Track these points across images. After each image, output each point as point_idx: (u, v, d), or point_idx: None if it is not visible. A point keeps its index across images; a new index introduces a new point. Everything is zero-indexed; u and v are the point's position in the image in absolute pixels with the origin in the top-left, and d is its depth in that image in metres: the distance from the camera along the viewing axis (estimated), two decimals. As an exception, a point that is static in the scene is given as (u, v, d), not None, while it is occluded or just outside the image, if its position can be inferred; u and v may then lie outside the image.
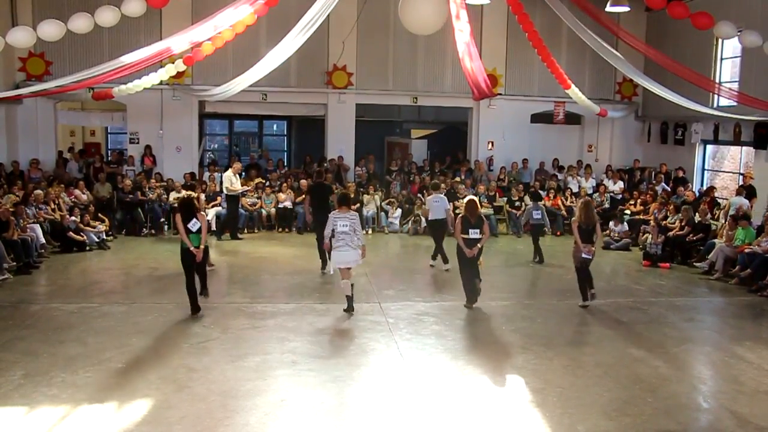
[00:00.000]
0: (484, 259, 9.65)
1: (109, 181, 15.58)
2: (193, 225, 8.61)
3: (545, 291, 11.10)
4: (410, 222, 15.64)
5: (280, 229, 15.26)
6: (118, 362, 6.96)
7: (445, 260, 11.77)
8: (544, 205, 13.86)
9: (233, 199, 14.26)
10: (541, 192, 15.02)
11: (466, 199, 9.58)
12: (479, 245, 9.16)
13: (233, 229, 14.31)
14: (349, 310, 8.90)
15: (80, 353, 7.17)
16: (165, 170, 16.51)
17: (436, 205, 11.89)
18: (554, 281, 11.54)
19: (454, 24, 12.27)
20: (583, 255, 9.41)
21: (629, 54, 14.86)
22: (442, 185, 13.95)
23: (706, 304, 10.45)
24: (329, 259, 9.53)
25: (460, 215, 9.35)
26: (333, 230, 8.78)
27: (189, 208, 8.74)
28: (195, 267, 8.77)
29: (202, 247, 8.67)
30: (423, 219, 15.44)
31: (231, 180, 14.11)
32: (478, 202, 9.59)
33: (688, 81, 13.46)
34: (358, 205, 14.46)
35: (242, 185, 14.72)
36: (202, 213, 8.92)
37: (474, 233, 9.10)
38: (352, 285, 8.98)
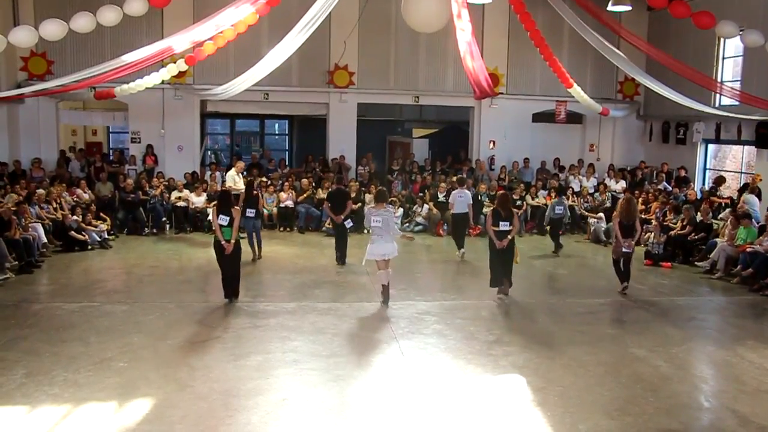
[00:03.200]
0: (518, 250, 9.99)
1: (111, 180, 15.59)
2: (222, 219, 8.92)
3: (547, 290, 11.10)
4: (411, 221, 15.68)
5: (282, 229, 15.25)
6: (120, 361, 6.97)
7: (460, 247, 12.50)
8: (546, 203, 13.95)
9: (236, 198, 14.27)
10: (563, 187, 15.43)
11: (500, 193, 10.20)
12: (509, 237, 9.50)
13: None
14: (385, 301, 9.16)
15: (82, 352, 7.18)
16: (166, 169, 16.52)
17: (461, 200, 12.68)
18: (556, 281, 11.54)
19: (456, 23, 12.24)
20: (624, 249, 9.98)
21: (631, 53, 14.84)
22: (468, 180, 14.78)
23: (707, 304, 10.43)
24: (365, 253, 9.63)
25: (492, 208, 9.79)
26: (370, 224, 9.26)
27: (223, 202, 9.15)
28: (227, 261, 8.98)
29: (232, 241, 8.88)
30: (421, 218, 15.52)
31: (234, 179, 14.14)
32: (510, 197, 10.24)
33: (689, 80, 13.43)
34: (359, 204, 14.46)
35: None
36: (237, 207, 9.28)
37: (504, 225, 9.50)
38: (387, 284, 9.21)
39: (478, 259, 11.67)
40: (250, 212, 11.31)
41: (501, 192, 10.29)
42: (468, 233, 14.67)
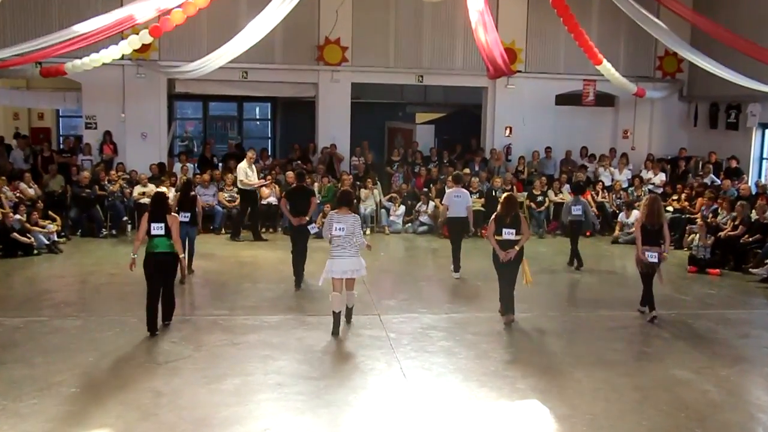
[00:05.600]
0: (527, 267, 9.53)
1: (62, 173, 15.55)
2: (156, 228, 8.47)
3: (573, 301, 11.09)
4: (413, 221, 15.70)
5: (264, 230, 15.22)
6: (72, 386, 6.93)
7: (457, 267, 11.74)
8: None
9: (248, 195, 14.36)
10: (581, 184, 14.61)
11: (504, 195, 9.63)
12: (516, 247, 9.09)
13: (255, 229, 14.52)
14: (335, 332, 8.60)
15: (25, 376, 7.13)
16: (128, 160, 16.50)
17: (458, 201, 11.77)
18: (583, 290, 11.53)
19: (467, -11, 12.26)
20: (649, 259, 9.40)
21: (673, 23, 14.83)
22: (467, 174, 14.16)
23: (764, 318, 10.41)
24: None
25: (495, 213, 9.34)
26: (331, 234, 8.64)
27: (157, 207, 8.67)
28: (158, 279, 8.57)
29: (181, 255, 8.61)
30: (426, 216, 15.51)
31: (246, 172, 14.17)
32: (516, 199, 9.69)
33: (743, 53, 13.41)
34: (354, 202, 14.41)
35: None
36: (174, 214, 8.93)
37: (509, 234, 9.08)
38: (351, 307, 8.85)
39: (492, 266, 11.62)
40: (185, 216, 10.77)
41: (506, 194, 9.72)
42: (480, 234, 14.66)
